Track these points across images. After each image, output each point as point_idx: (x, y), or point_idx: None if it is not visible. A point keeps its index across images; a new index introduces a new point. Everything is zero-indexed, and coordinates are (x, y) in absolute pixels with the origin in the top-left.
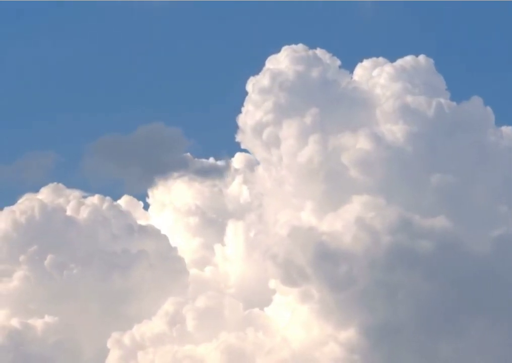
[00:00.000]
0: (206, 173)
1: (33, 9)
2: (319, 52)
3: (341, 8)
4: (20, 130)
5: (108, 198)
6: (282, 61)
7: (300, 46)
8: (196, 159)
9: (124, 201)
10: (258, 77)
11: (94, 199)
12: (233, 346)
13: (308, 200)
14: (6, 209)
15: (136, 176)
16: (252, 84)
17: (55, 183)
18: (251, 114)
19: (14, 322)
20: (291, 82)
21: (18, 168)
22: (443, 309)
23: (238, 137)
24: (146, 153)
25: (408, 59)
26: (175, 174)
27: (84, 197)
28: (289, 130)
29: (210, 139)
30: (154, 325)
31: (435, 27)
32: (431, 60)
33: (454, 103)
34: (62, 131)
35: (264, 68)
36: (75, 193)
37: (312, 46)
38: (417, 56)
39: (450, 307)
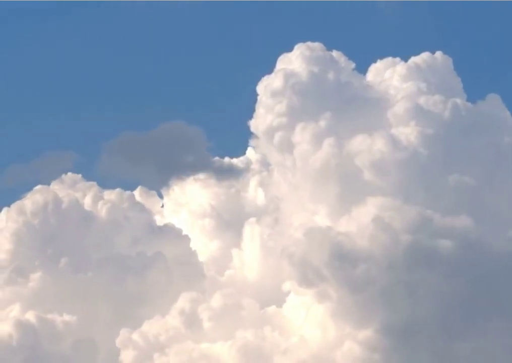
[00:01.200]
0: (223, 174)
1: (52, 7)
2: (334, 54)
3: (356, 8)
4: (39, 129)
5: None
6: (295, 61)
7: (315, 44)
8: (213, 160)
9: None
10: (270, 77)
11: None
12: (250, 345)
13: (323, 203)
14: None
15: (152, 175)
16: (264, 87)
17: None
18: (262, 118)
19: (31, 317)
20: (304, 84)
21: (36, 167)
22: (463, 308)
23: (251, 142)
24: (165, 152)
25: (424, 57)
26: (192, 174)
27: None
28: (302, 134)
29: (226, 139)
30: (170, 323)
31: (451, 26)
32: (448, 58)
33: (470, 104)
34: (81, 130)
35: (276, 69)
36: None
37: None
38: (433, 52)
39: (470, 307)
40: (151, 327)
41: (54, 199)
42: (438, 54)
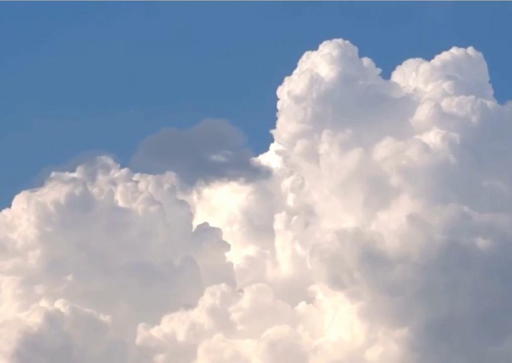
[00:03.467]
0: (256, 176)
1: (93, 5)
2: (365, 61)
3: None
4: (75, 128)
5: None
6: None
7: (339, 41)
8: (248, 161)
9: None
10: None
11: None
12: (281, 345)
13: (354, 206)
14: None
15: (187, 173)
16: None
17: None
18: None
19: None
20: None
21: (72, 167)
22: (501, 308)
23: (274, 147)
24: (201, 150)
25: (455, 53)
26: (226, 175)
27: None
28: (328, 141)
29: (258, 139)
30: (200, 323)
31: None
32: (479, 54)
33: (497, 103)
34: (119, 128)
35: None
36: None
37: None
38: (465, 47)
39: (509, 306)
40: (181, 326)
41: (89, 198)
42: (470, 49)
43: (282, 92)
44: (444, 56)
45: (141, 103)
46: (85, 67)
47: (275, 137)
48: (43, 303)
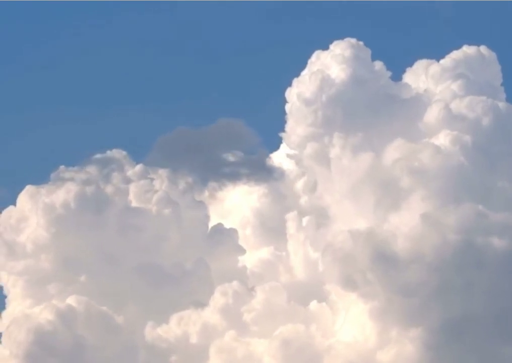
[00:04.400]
0: (267, 177)
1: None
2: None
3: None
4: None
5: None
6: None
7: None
8: (259, 162)
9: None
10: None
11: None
12: (295, 345)
13: (366, 208)
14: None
15: (201, 172)
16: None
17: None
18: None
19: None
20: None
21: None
22: None
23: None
24: (212, 150)
25: (468, 51)
26: (236, 177)
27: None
28: (339, 144)
29: (267, 141)
30: (210, 320)
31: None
32: (493, 53)
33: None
34: (133, 127)
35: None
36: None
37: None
38: (478, 45)
39: None
40: (194, 326)
41: (104, 198)
42: (483, 47)
43: (291, 93)
44: (455, 54)
45: (156, 101)
46: (101, 66)
47: (284, 140)
48: (55, 302)
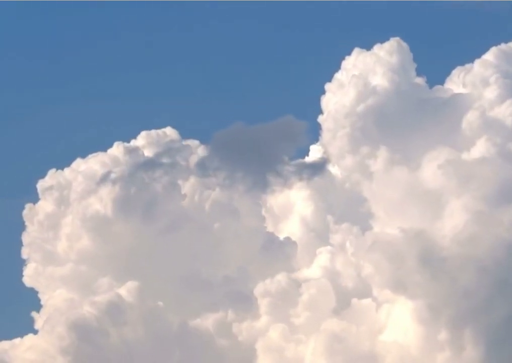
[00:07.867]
0: (310, 176)
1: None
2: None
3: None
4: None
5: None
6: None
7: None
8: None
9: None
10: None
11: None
12: (340, 345)
13: (413, 216)
14: None
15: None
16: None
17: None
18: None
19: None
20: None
21: None
22: None
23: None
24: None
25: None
26: (287, 178)
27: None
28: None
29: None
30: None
31: None
32: None
33: None
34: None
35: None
36: None
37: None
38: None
39: None
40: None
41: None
42: None
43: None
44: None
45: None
46: (154, 59)
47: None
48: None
